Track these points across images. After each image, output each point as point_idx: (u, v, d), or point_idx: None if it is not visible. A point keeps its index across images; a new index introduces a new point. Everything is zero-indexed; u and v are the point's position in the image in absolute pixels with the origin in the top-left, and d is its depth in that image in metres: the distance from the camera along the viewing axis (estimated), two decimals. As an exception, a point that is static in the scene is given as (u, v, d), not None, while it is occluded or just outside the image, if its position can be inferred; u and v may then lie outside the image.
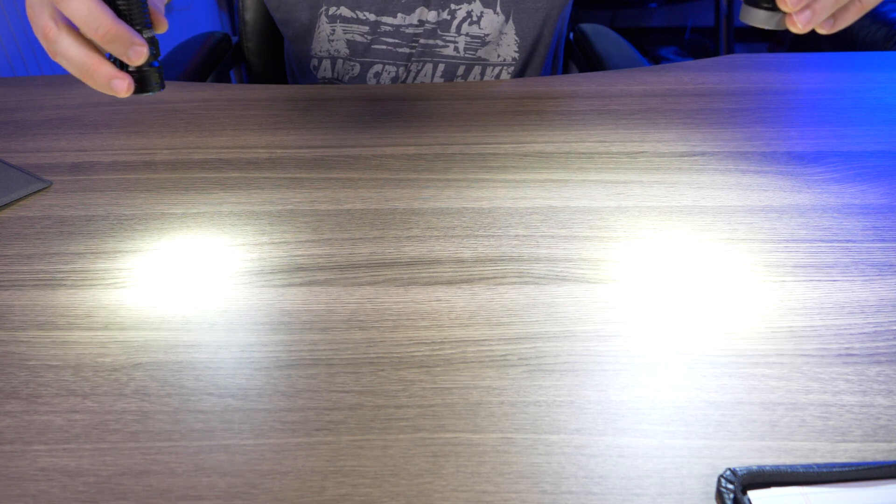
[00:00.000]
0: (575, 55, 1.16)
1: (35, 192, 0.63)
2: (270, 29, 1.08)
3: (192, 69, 1.01)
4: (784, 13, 0.43)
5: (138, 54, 0.43)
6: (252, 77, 1.12)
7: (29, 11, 0.45)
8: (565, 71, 1.18)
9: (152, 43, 0.44)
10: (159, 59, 0.45)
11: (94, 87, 0.45)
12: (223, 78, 1.10)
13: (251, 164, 0.66)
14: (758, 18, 0.44)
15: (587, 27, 1.15)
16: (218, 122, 0.74)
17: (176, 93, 0.81)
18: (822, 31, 0.44)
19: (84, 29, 0.42)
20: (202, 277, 0.52)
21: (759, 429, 0.39)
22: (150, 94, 0.45)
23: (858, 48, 1.86)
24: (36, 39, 1.56)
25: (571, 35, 1.18)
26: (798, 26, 0.42)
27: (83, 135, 0.72)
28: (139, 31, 0.44)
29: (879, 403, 0.41)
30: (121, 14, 0.43)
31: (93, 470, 0.38)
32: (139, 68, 0.44)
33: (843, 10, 0.43)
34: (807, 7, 0.41)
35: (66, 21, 0.43)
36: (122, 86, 0.43)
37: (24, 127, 0.74)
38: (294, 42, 0.91)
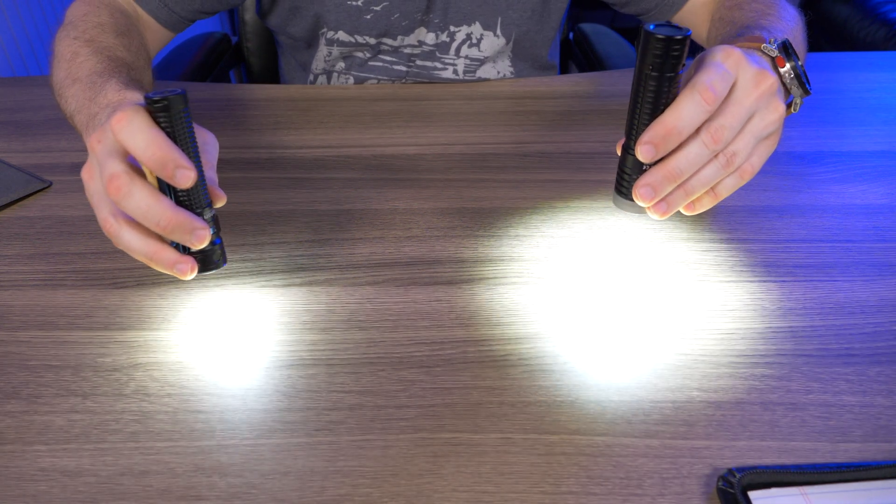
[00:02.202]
0: (575, 55, 1.16)
1: (35, 192, 0.63)
2: (270, 29, 1.08)
3: (191, 69, 1.01)
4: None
5: (200, 238, 0.42)
6: (252, 77, 1.12)
7: (90, 199, 0.45)
8: (565, 71, 1.18)
9: (214, 222, 0.44)
10: (220, 235, 0.45)
11: (159, 271, 0.45)
12: (223, 78, 1.10)
13: (251, 164, 0.66)
14: (625, 206, 0.47)
15: (587, 27, 1.15)
16: (218, 122, 0.74)
17: (176, 93, 0.81)
18: (685, 212, 0.48)
19: (144, 223, 0.41)
20: (202, 278, 0.51)
21: (759, 429, 0.39)
22: (214, 271, 0.45)
23: (858, 48, 1.86)
24: (36, 39, 1.56)
25: (571, 35, 1.18)
26: (657, 215, 0.46)
27: (83, 135, 0.72)
28: (200, 214, 0.43)
29: (880, 403, 0.41)
30: (180, 201, 0.42)
31: (93, 470, 0.38)
32: (202, 249, 0.43)
33: (697, 198, 0.47)
34: (662, 199, 0.45)
35: (126, 215, 0.42)
36: (186, 269, 0.43)
37: (24, 127, 0.74)
38: (292, 54, 0.91)
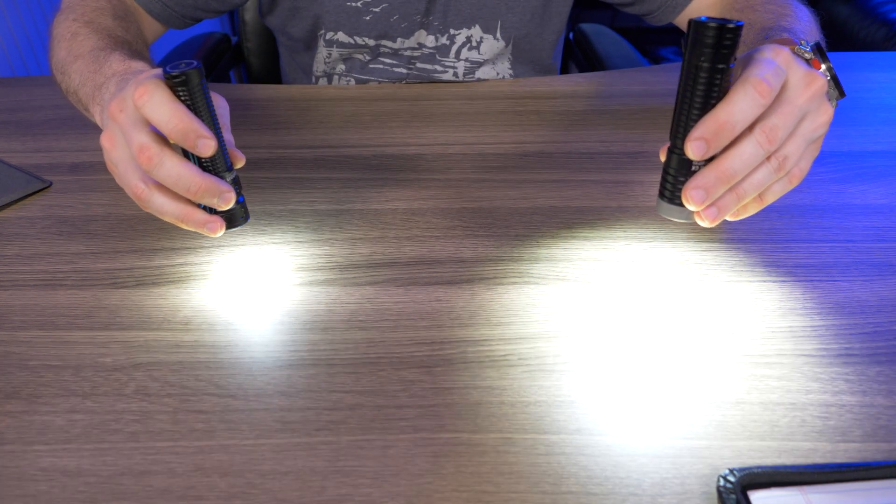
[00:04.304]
0: (575, 55, 1.16)
1: (35, 192, 0.63)
2: (270, 30, 1.08)
3: (192, 69, 1.01)
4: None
5: (227, 200, 0.46)
6: (252, 77, 1.12)
7: (111, 168, 0.48)
8: (565, 71, 1.18)
9: (236, 183, 0.47)
10: (242, 194, 0.48)
11: (188, 230, 0.48)
12: (223, 78, 1.10)
13: (251, 164, 0.66)
14: (671, 212, 0.45)
15: (587, 27, 1.15)
16: (218, 122, 0.74)
17: (176, 93, 0.81)
18: (730, 218, 0.46)
19: (174, 189, 0.44)
20: (202, 278, 0.52)
21: (759, 429, 0.39)
22: (238, 227, 0.48)
23: (858, 48, 1.86)
24: (36, 39, 1.56)
25: (571, 35, 1.18)
26: (706, 222, 0.44)
27: (83, 135, 0.72)
28: (223, 177, 0.46)
29: (879, 403, 0.41)
30: (204, 167, 0.45)
31: (93, 470, 0.38)
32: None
33: (744, 203, 0.45)
34: (712, 204, 0.43)
35: (154, 180, 0.45)
36: (215, 227, 0.47)
37: (24, 127, 0.74)
38: (292, 56, 0.91)
